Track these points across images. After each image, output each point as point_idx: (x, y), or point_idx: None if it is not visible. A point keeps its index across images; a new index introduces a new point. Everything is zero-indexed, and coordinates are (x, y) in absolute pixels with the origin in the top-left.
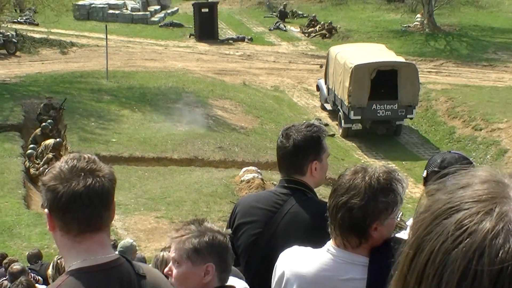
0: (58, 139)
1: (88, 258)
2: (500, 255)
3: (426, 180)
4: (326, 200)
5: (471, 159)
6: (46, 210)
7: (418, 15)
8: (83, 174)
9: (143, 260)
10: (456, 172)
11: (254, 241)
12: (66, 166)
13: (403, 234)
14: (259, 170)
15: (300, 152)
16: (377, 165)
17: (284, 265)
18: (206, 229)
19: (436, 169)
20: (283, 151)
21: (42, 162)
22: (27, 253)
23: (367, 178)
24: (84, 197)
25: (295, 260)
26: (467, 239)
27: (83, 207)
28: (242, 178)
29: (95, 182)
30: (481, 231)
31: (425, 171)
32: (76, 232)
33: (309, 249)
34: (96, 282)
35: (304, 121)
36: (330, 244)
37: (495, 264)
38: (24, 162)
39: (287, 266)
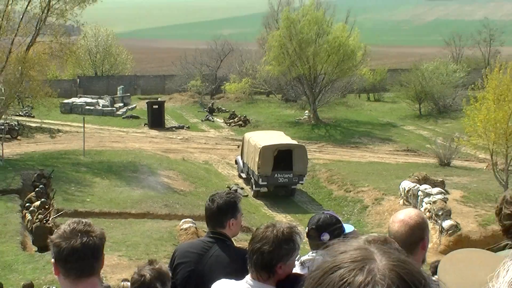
0: (43, 199)
1: None
2: None
3: (308, 235)
4: (240, 245)
5: (343, 213)
6: (52, 260)
7: (306, 111)
8: (80, 234)
9: (109, 287)
10: (336, 243)
11: (188, 276)
12: (68, 228)
13: (298, 268)
14: (194, 221)
15: (221, 212)
16: (279, 217)
17: None
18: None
19: (313, 227)
20: (209, 211)
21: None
22: (22, 284)
23: (275, 231)
24: (80, 251)
25: None
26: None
27: (79, 259)
28: (181, 227)
29: (89, 241)
30: (357, 282)
31: (307, 228)
32: (73, 278)
33: (233, 281)
34: None
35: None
36: (248, 277)
37: None
38: (25, 215)
39: None
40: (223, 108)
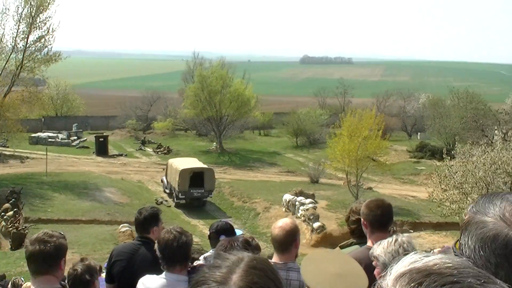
0: (15, 209)
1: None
2: None
3: (209, 237)
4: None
5: (242, 218)
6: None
7: (214, 143)
8: (38, 242)
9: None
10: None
11: (122, 270)
12: (36, 236)
13: (202, 261)
14: (130, 226)
15: (147, 221)
16: (194, 222)
17: (141, 285)
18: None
19: (213, 231)
20: (137, 221)
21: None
22: None
23: (171, 236)
24: (36, 255)
25: (148, 282)
26: None
27: (34, 261)
28: (120, 230)
29: (44, 248)
30: None
31: (209, 231)
32: (32, 274)
33: (154, 275)
34: None
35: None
36: (164, 273)
37: None
38: (0, 222)
39: (143, 286)
40: (152, 141)
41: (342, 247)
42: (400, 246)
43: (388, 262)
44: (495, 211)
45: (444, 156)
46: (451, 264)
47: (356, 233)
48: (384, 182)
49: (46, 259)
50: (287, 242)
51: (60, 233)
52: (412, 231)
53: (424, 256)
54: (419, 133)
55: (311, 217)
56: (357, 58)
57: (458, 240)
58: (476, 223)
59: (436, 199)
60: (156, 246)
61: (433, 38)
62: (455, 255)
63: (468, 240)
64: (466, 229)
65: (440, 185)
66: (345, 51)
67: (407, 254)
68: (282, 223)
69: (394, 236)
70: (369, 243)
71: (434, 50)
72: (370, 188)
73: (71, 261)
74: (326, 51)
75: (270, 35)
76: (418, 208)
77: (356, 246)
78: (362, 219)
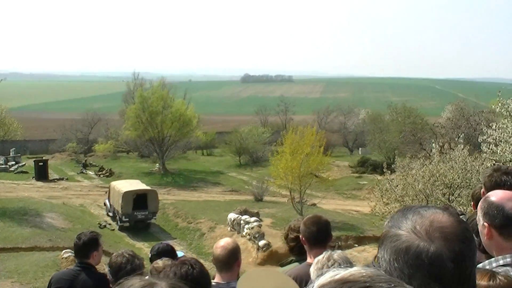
0: None
1: None
2: None
3: (150, 260)
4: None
5: (187, 239)
6: None
7: (157, 164)
8: None
9: None
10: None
11: None
12: None
13: None
14: (72, 251)
15: (86, 247)
16: (139, 245)
17: None
18: None
19: (155, 253)
20: (77, 246)
21: None
22: None
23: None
24: None
25: None
26: None
27: None
28: (63, 256)
29: None
30: None
31: (150, 254)
32: None
33: None
34: None
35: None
36: None
37: None
38: None
39: None
40: (94, 163)
41: (282, 265)
42: (334, 262)
43: None
44: (407, 224)
45: (384, 170)
46: (365, 274)
47: (296, 250)
48: (328, 197)
49: None
50: (230, 261)
51: None
52: (356, 245)
53: (343, 270)
54: (360, 148)
55: (257, 235)
56: (298, 75)
57: (377, 254)
58: (391, 236)
59: (378, 213)
60: (107, 270)
61: (371, 55)
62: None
63: (384, 253)
64: (382, 243)
65: (382, 199)
66: (285, 69)
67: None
68: (223, 242)
69: (325, 253)
70: (308, 259)
71: (372, 67)
72: (314, 204)
73: None
74: (266, 70)
75: (210, 54)
76: (362, 222)
77: (296, 264)
78: (300, 236)
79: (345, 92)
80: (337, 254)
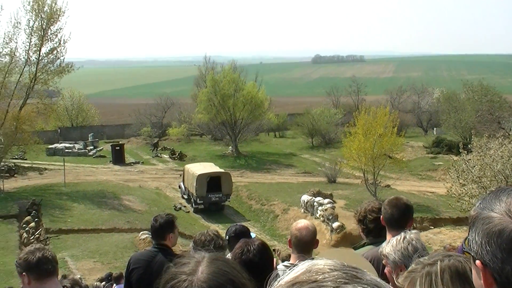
0: (36, 219)
1: None
2: None
3: (228, 241)
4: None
5: (261, 221)
6: (24, 273)
7: (230, 147)
8: (38, 250)
9: (86, 286)
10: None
11: (139, 278)
12: (27, 249)
13: None
14: (149, 233)
15: (162, 228)
16: (213, 227)
17: None
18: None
19: (232, 235)
20: (153, 228)
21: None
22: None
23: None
24: (43, 260)
25: None
26: None
27: (45, 264)
28: (140, 238)
29: (46, 254)
30: None
31: (226, 236)
32: (42, 279)
33: None
34: None
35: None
36: None
37: None
38: (22, 234)
39: None
40: (167, 146)
41: (355, 248)
42: (409, 244)
43: (397, 260)
44: (501, 206)
45: (461, 150)
46: (321, 269)
47: (374, 233)
48: (402, 179)
49: (51, 261)
50: (309, 242)
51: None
52: (432, 227)
53: (309, 264)
54: (435, 128)
55: (330, 217)
56: (369, 55)
57: (467, 236)
58: (483, 218)
59: (455, 194)
60: (190, 246)
61: (444, 32)
62: (464, 251)
63: (475, 236)
64: (473, 225)
65: (458, 180)
66: (356, 49)
67: (416, 251)
68: (302, 223)
69: (403, 234)
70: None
71: (446, 44)
72: (388, 186)
73: (93, 270)
74: (337, 50)
75: (281, 35)
76: (437, 203)
77: (370, 247)
78: (381, 217)
79: (418, 71)
80: (413, 234)
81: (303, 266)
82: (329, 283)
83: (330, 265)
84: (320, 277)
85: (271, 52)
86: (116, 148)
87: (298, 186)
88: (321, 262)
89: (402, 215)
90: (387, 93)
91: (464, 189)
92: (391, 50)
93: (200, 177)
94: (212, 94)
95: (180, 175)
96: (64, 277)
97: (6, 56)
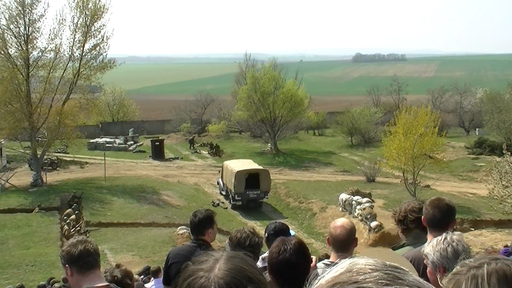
0: (77, 212)
1: (91, 286)
2: None
3: (267, 239)
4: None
5: (298, 218)
6: (67, 265)
7: (269, 144)
8: (80, 242)
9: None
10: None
11: (178, 272)
12: (70, 241)
13: (259, 262)
14: (187, 228)
15: (202, 224)
16: (250, 223)
17: None
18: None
19: (272, 232)
20: (193, 223)
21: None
22: (62, 277)
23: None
24: (85, 252)
25: None
26: None
27: (87, 257)
28: (178, 232)
29: (88, 246)
30: (197, 285)
31: (266, 234)
32: (84, 271)
33: None
34: None
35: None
36: None
37: None
38: (63, 226)
39: None
40: (207, 143)
41: (394, 249)
42: (449, 245)
43: (436, 260)
44: None
45: (504, 151)
46: (362, 269)
47: (414, 233)
48: (442, 179)
49: (93, 254)
50: (348, 240)
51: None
52: (473, 229)
53: (349, 263)
54: (477, 129)
55: (368, 217)
56: (411, 54)
57: None
58: None
59: (497, 196)
60: (226, 242)
61: (488, 31)
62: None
63: None
64: None
65: (501, 182)
66: (398, 48)
67: (456, 253)
68: (341, 222)
69: (444, 235)
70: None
71: (490, 43)
72: (427, 186)
73: (132, 263)
74: (378, 48)
75: (322, 34)
76: (478, 205)
77: (409, 247)
78: (422, 218)
79: (461, 71)
80: (455, 235)
81: (343, 265)
82: (370, 284)
83: (371, 264)
84: (361, 278)
85: (312, 50)
86: (156, 143)
87: (336, 184)
88: (362, 262)
89: (444, 216)
90: (429, 92)
91: (507, 191)
92: (433, 49)
93: (239, 173)
94: (252, 91)
95: (219, 172)
96: (118, 266)
97: (51, 52)
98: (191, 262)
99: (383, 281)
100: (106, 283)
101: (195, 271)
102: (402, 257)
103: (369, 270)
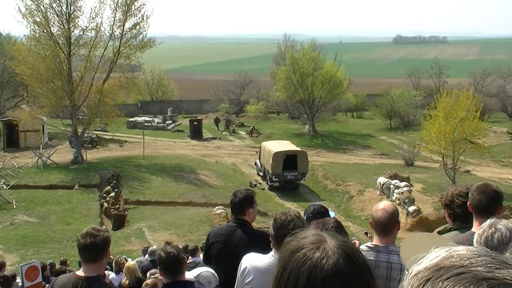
0: (116, 190)
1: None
2: (324, 267)
3: (306, 220)
4: (259, 227)
5: (335, 201)
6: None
7: (307, 126)
8: (89, 235)
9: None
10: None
11: (219, 252)
12: (85, 231)
13: None
14: (224, 208)
15: (242, 204)
16: (287, 205)
17: (246, 263)
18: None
19: (311, 215)
20: (233, 203)
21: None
22: None
23: (289, 217)
24: (89, 246)
25: (254, 260)
26: (308, 261)
27: (89, 251)
28: (215, 212)
29: (95, 240)
30: (315, 257)
31: (305, 216)
32: (86, 263)
33: (260, 254)
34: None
35: (248, 185)
36: (272, 252)
37: (322, 272)
38: (102, 203)
39: (248, 263)
40: (246, 124)
41: (440, 233)
42: (496, 231)
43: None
44: None
45: None
46: (465, 254)
47: (461, 218)
48: (483, 165)
49: (96, 249)
50: (391, 224)
51: (104, 227)
52: None
53: (447, 250)
54: None
55: (406, 201)
56: (452, 36)
57: None
58: None
59: None
60: (271, 223)
61: None
62: None
63: None
64: None
65: None
66: (439, 30)
67: (503, 240)
68: (384, 205)
69: (492, 220)
70: (474, 228)
71: None
72: (467, 171)
73: (169, 241)
74: (419, 30)
75: (361, 15)
76: None
77: (456, 232)
78: (468, 203)
79: (504, 54)
80: (502, 223)
81: (440, 252)
82: (479, 268)
83: (474, 250)
84: (467, 262)
85: (351, 31)
86: (194, 123)
87: (374, 167)
88: (461, 248)
89: (491, 202)
90: (471, 76)
91: None
92: (476, 31)
93: (277, 154)
94: (291, 72)
95: (257, 152)
96: (168, 243)
97: (92, 31)
98: (291, 237)
99: (492, 265)
100: (96, 274)
101: (306, 244)
102: (451, 242)
103: (473, 255)
